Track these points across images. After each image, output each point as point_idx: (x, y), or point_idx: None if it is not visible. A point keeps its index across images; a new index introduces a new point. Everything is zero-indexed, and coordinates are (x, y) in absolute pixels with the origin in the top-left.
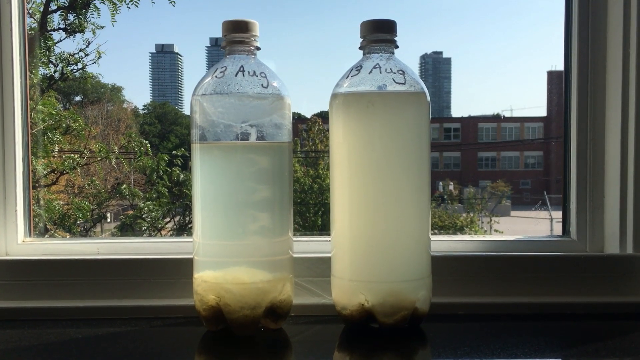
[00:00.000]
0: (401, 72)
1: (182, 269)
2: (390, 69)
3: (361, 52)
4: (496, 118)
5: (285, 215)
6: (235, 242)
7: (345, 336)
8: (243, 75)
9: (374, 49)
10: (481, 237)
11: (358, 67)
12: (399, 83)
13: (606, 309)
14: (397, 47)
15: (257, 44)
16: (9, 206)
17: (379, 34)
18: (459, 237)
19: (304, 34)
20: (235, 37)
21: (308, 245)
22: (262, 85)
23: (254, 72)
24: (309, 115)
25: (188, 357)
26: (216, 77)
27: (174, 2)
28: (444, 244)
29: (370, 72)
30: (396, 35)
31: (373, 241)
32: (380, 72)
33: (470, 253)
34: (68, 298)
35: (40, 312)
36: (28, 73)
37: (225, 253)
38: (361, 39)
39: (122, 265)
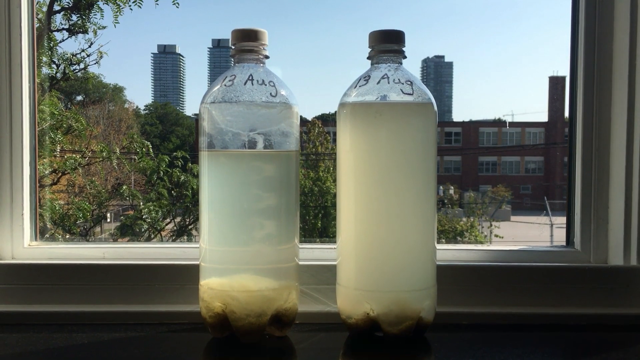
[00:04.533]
0: (409, 83)
1: (188, 275)
2: (399, 79)
3: (363, 58)
4: (497, 123)
5: (291, 222)
6: (241, 249)
7: (349, 344)
8: (252, 83)
9: (382, 59)
10: (486, 247)
11: (366, 77)
12: (407, 94)
13: (610, 320)
14: (405, 57)
15: (266, 53)
16: (15, 210)
17: (387, 44)
18: (464, 246)
19: (304, 37)
20: (244, 45)
21: (312, 253)
22: (270, 94)
23: (263, 80)
24: (309, 118)
25: None
26: (225, 85)
27: (177, 3)
28: (448, 253)
29: (378, 82)
30: (404, 46)
31: (378, 250)
32: (389, 83)
33: (474, 263)
34: (74, 302)
35: (46, 317)
36: (36, 78)
37: (231, 260)
38: (369, 49)
39: (128, 271)
